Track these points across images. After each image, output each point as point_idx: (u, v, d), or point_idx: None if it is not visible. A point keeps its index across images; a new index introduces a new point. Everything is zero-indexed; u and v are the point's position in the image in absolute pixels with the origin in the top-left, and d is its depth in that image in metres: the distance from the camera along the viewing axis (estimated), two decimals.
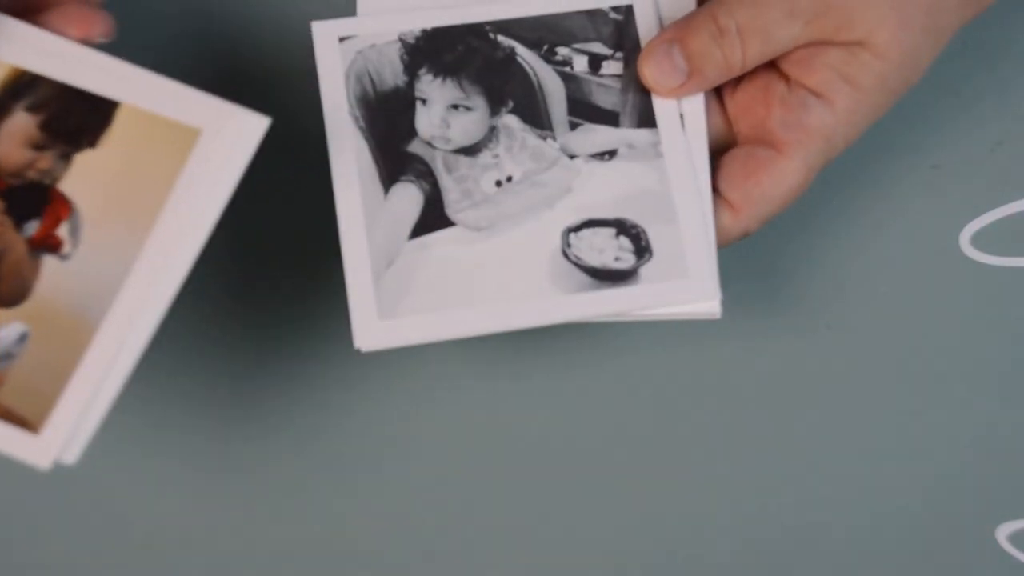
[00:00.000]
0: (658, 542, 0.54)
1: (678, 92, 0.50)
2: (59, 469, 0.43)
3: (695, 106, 0.50)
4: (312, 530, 0.54)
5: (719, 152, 0.51)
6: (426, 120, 0.49)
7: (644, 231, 0.48)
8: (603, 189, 0.49)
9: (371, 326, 0.47)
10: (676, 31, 0.49)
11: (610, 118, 0.50)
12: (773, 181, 0.49)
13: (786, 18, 0.49)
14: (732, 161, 0.50)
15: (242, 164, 0.44)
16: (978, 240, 0.57)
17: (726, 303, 0.56)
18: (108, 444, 0.53)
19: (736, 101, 0.51)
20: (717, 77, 0.50)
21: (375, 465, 0.55)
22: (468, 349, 0.56)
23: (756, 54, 0.49)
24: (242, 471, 0.54)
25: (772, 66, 0.51)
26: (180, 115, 0.45)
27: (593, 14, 0.51)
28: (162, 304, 0.43)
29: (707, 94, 0.51)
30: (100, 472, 0.54)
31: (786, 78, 0.50)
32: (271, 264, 0.56)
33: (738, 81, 0.51)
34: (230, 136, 0.44)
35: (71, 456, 0.43)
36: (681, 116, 0.50)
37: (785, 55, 0.50)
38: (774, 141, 0.50)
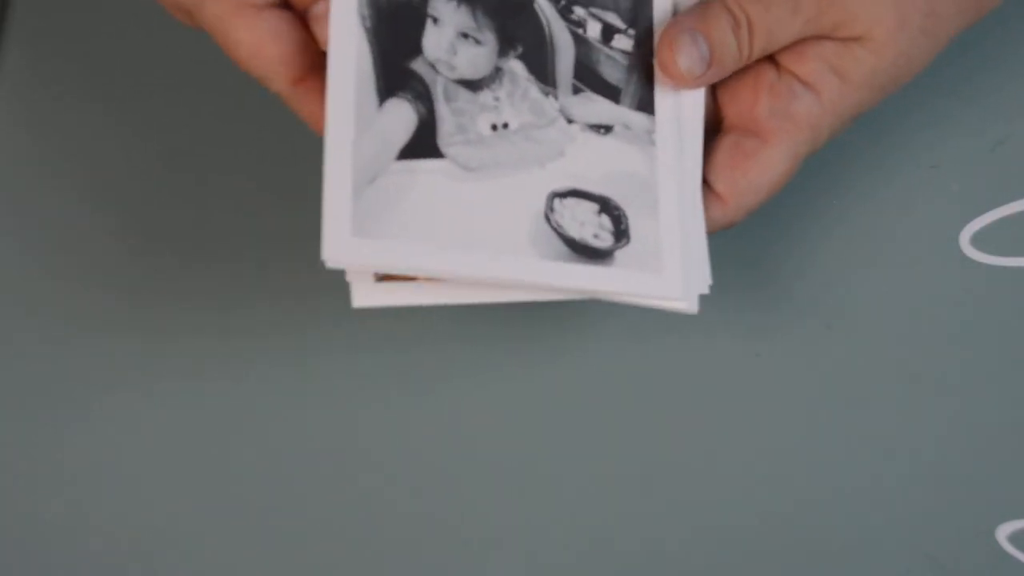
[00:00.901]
0: (655, 542, 0.53)
1: (699, 82, 0.50)
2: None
3: (696, 97, 0.50)
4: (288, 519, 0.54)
5: (705, 136, 0.51)
6: (434, 41, 0.47)
7: (626, 215, 0.47)
8: (594, 162, 0.47)
9: (344, 242, 0.44)
10: (696, 20, 0.49)
11: (612, 92, 0.48)
12: (760, 171, 0.50)
13: (790, 15, 0.49)
14: (719, 151, 0.50)
15: None
16: (978, 240, 0.57)
17: (726, 303, 0.56)
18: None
19: (726, 86, 0.51)
20: (731, 68, 0.50)
21: (353, 457, 0.54)
22: (456, 333, 0.56)
23: (760, 50, 0.49)
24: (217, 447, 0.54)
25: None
26: None
27: None
28: None
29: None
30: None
31: (776, 65, 0.50)
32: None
33: None
34: None
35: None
36: (678, 107, 0.49)
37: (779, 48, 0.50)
38: (760, 130, 0.50)
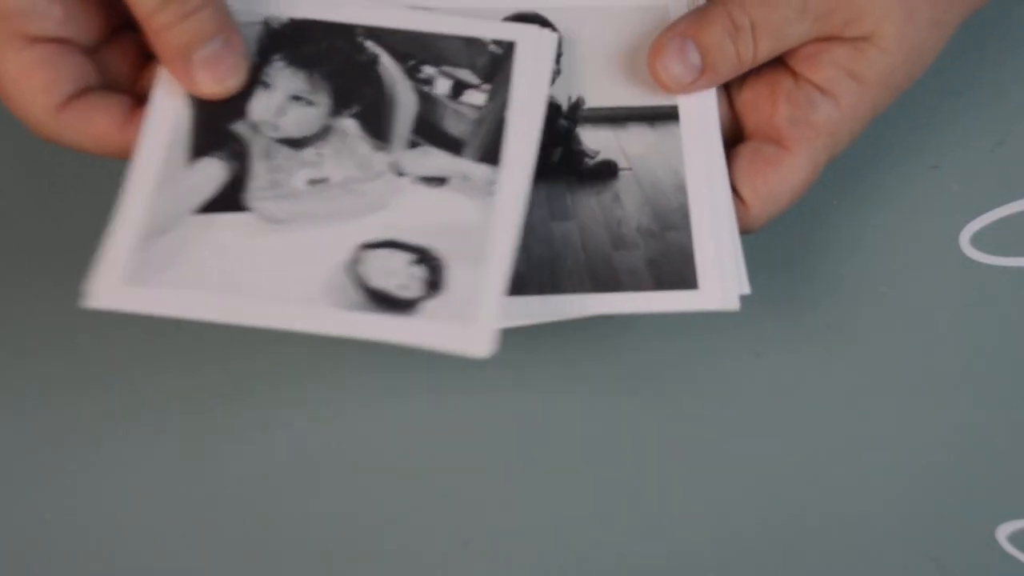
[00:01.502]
0: (655, 542, 0.54)
1: (691, 88, 0.50)
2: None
3: (708, 104, 0.50)
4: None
5: (726, 146, 0.51)
6: (262, 105, 0.48)
7: (445, 266, 0.46)
8: (420, 213, 0.47)
9: (112, 287, 0.45)
10: (689, 26, 0.49)
11: (454, 145, 0.48)
12: (780, 178, 0.50)
13: (797, 15, 0.49)
14: (739, 158, 0.50)
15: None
16: (978, 240, 0.57)
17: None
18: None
19: (743, 97, 0.52)
20: (728, 73, 0.50)
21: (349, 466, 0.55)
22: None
23: (767, 51, 0.49)
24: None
25: (779, 61, 0.51)
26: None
27: (472, 42, 0.50)
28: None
29: (717, 89, 0.51)
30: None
31: (793, 74, 0.50)
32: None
33: (745, 76, 0.51)
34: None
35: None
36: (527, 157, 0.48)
37: (793, 51, 0.50)
38: (780, 138, 0.50)
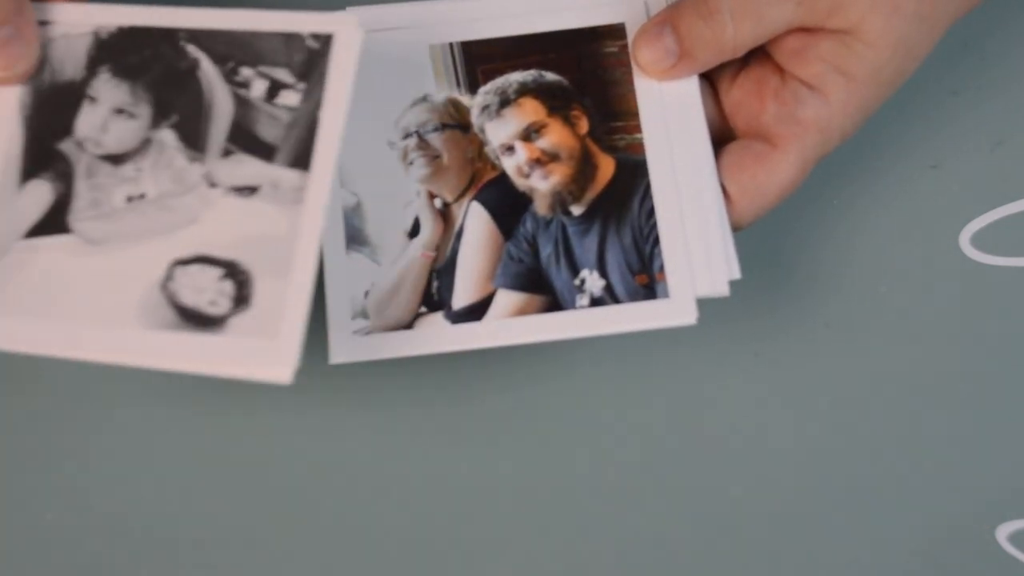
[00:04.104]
0: (655, 542, 0.53)
1: (669, 74, 0.50)
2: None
3: (691, 98, 0.50)
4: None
5: (716, 147, 0.51)
6: (88, 121, 0.47)
7: (252, 280, 0.45)
8: (229, 226, 0.46)
9: None
10: (668, 13, 0.50)
11: (267, 151, 0.46)
12: (768, 175, 0.50)
13: None
14: (728, 154, 0.50)
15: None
16: (978, 240, 0.57)
17: (725, 302, 0.56)
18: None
19: (732, 96, 0.52)
20: (707, 59, 0.50)
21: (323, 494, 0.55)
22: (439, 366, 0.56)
23: (748, 35, 0.49)
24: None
25: (766, 59, 0.51)
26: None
27: (290, 38, 0.47)
28: None
29: (703, 90, 0.51)
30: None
31: (780, 71, 0.50)
32: None
33: (734, 77, 0.51)
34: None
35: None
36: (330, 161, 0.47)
37: (778, 46, 0.50)
38: (769, 135, 0.50)
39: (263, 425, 0.55)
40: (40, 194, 0.46)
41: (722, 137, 0.51)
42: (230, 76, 0.47)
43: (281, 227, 0.45)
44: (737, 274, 0.49)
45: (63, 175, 0.47)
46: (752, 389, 0.55)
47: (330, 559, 0.53)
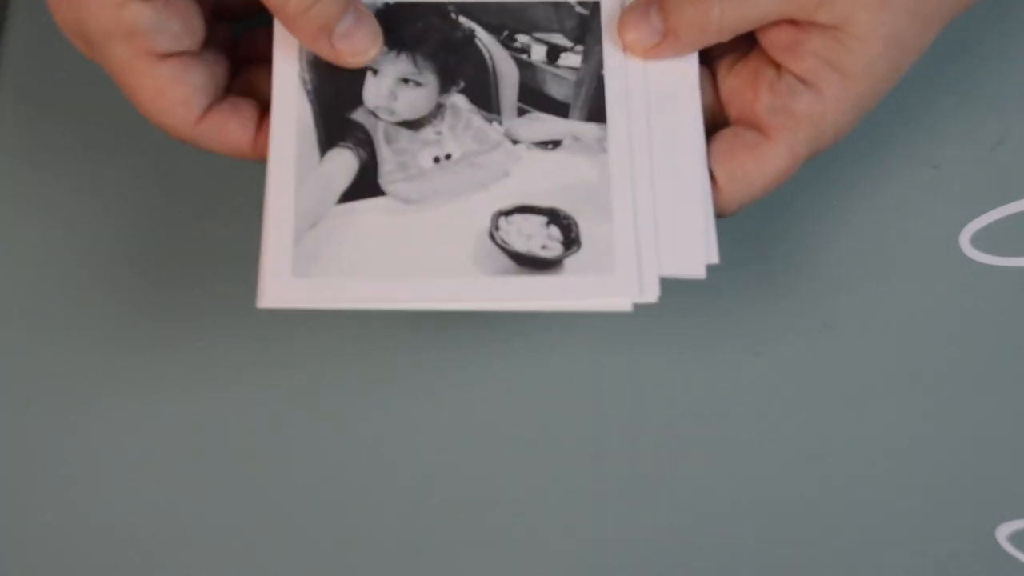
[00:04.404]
0: (654, 542, 0.53)
1: (653, 53, 0.51)
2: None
3: (688, 80, 0.51)
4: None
5: (710, 133, 0.51)
6: (374, 90, 0.50)
7: (576, 223, 0.48)
8: (541, 177, 0.49)
9: (283, 283, 0.46)
10: None
11: (560, 109, 0.50)
12: (756, 164, 0.50)
13: None
14: (719, 140, 0.50)
15: None
16: (978, 240, 0.57)
17: (726, 302, 0.56)
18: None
19: (728, 84, 0.52)
20: (692, 39, 0.50)
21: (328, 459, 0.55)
22: (448, 335, 0.56)
23: (734, 18, 0.49)
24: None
25: (763, 52, 0.51)
26: None
27: (559, 6, 0.51)
28: None
29: (701, 75, 0.51)
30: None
31: (776, 66, 0.51)
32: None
33: (732, 65, 0.52)
34: None
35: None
36: (631, 113, 0.50)
37: (771, 40, 0.50)
38: (761, 125, 0.50)
39: (262, 425, 0.55)
40: (344, 160, 0.49)
41: (716, 123, 0.51)
42: (507, 43, 0.50)
43: (592, 174, 0.49)
44: (715, 259, 0.49)
45: (363, 142, 0.49)
46: (752, 389, 0.55)
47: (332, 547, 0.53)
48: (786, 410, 0.55)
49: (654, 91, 0.51)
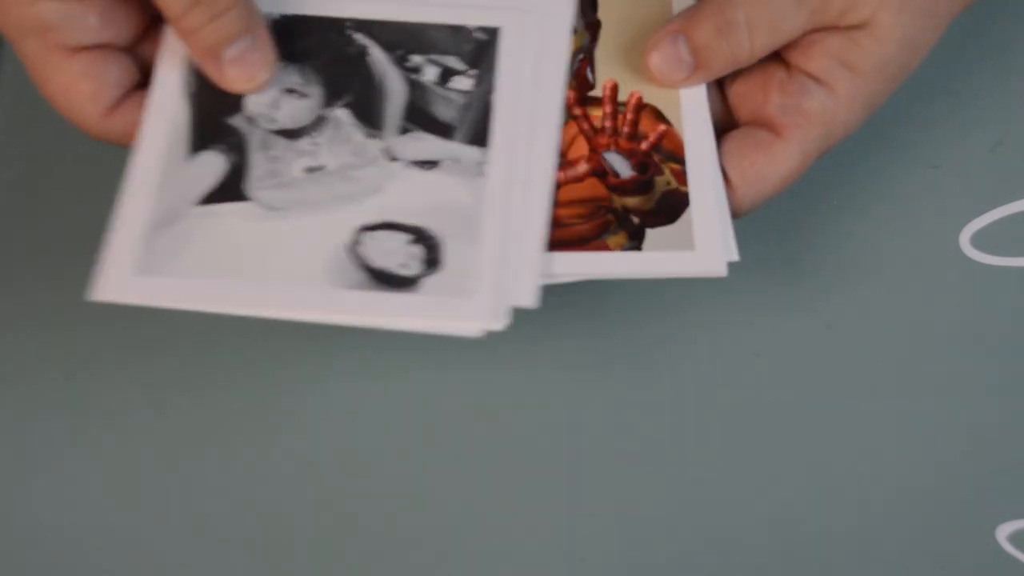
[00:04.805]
0: (653, 542, 0.54)
1: (683, 84, 0.51)
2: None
3: (696, 93, 0.51)
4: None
5: (720, 136, 0.51)
6: (258, 100, 0.49)
7: (441, 244, 0.47)
8: (414, 196, 0.48)
9: (121, 277, 0.46)
10: (682, 23, 0.50)
11: (444, 130, 0.49)
12: (769, 163, 0.50)
13: (793, 9, 0.49)
14: (730, 140, 0.50)
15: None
16: (978, 240, 0.57)
17: (726, 303, 0.56)
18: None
19: (737, 87, 0.52)
20: (723, 69, 0.50)
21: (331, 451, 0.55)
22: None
23: (764, 46, 0.49)
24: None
25: (773, 54, 0.51)
26: None
27: (458, 30, 0.51)
28: None
29: (707, 83, 0.51)
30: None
31: (786, 65, 0.51)
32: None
33: (738, 70, 0.52)
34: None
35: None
36: (517, 139, 0.49)
37: (787, 43, 0.50)
38: (773, 125, 0.50)
39: (261, 424, 0.55)
40: (213, 163, 0.48)
41: (724, 128, 0.51)
42: (400, 62, 0.50)
43: (467, 197, 0.48)
44: (735, 256, 0.49)
45: (235, 147, 0.48)
46: (752, 389, 0.55)
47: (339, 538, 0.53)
48: (786, 410, 0.55)
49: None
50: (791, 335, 0.56)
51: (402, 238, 0.47)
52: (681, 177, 0.50)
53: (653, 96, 0.51)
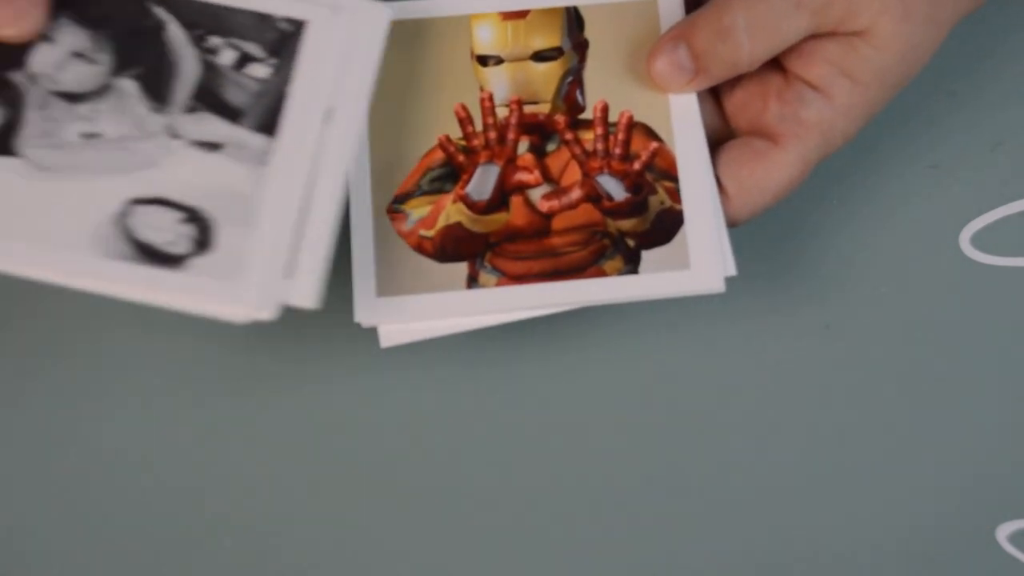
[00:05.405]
0: (653, 542, 0.53)
1: (685, 89, 0.50)
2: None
3: (687, 107, 0.51)
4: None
5: (712, 150, 0.51)
6: (43, 57, 0.48)
7: (215, 226, 0.47)
8: (191, 175, 0.48)
9: None
10: (682, 29, 0.49)
11: (233, 114, 0.49)
12: (767, 172, 0.50)
13: (793, 11, 0.49)
14: (729, 150, 0.50)
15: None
16: (978, 240, 0.57)
17: (725, 303, 0.56)
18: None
19: (734, 98, 0.52)
20: (723, 75, 0.50)
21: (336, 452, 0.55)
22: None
23: (764, 50, 0.49)
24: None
25: (771, 61, 0.51)
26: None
27: (263, 18, 0.50)
28: None
29: (703, 96, 0.51)
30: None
31: (784, 72, 0.50)
32: None
33: (736, 79, 0.51)
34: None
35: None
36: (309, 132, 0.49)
37: (786, 49, 0.50)
38: (771, 134, 0.50)
39: (259, 425, 0.55)
40: None
41: (723, 139, 0.51)
42: (198, 41, 0.49)
43: (245, 183, 0.47)
44: (732, 271, 0.49)
45: (10, 102, 0.47)
46: (752, 389, 0.55)
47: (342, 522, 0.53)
48: (786, 410, 0.55)
49: None
50: (791, 335, 0.56)
51: (173, 216, 0.47)
52: (675, 195, 0.50)
53: (644, 114, 0.51)
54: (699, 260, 0.49)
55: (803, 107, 0.50)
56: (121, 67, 0.49)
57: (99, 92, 0.48)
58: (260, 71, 0.49)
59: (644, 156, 0.50)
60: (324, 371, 0.55)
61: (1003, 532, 0.53)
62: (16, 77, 0.48)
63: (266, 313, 0.46)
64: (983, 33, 0.60)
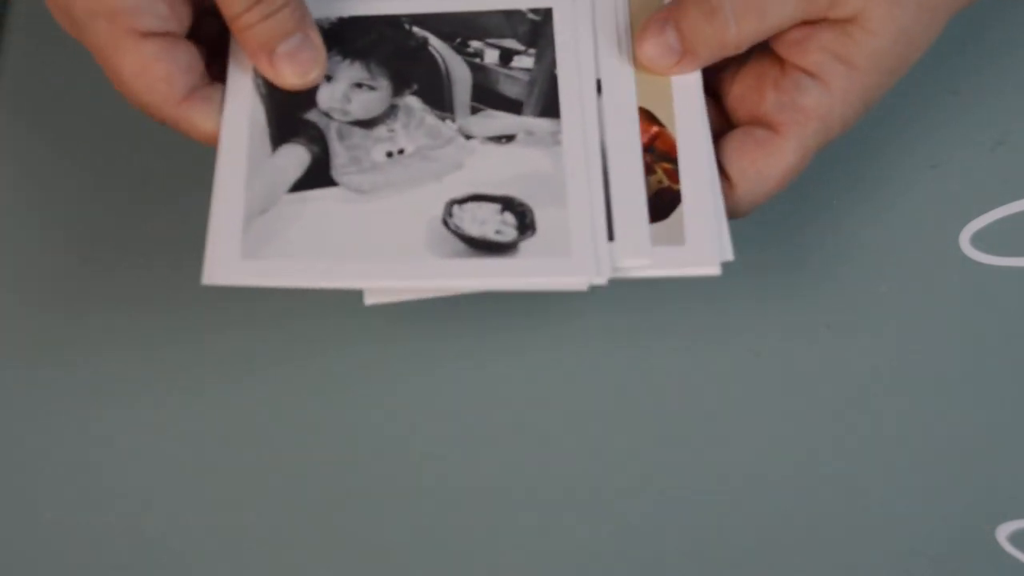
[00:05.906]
0: (653, 542, 0.53)
1: (673, 71, 0.51)
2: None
3: (690, 92, 0.51)
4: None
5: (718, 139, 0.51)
6: (327, 94, 0.51)
7: (531, 210, 0.49)
8: (495, 168, 0.50)
9: (229, 261, 0.47)
10: (670, 10, 0.50)
11: (514, 106, 0.51)
12: (768, 160, 0.50)
13: None
14: (729, 140, 0.51)
15: None
16: (978, 240, 0.57)
17: (725, 303, 0.56)
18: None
19: (733, 92, 0.52)
20: (710, 56, 0.50)
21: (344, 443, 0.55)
22: (450, 328, 0.56)
23: (751, 32, 0.50)
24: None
25: (765, 52, 0.51)
26: None
27: (511, 14, 0.53)
28: None
29: (703, 95, 0.51)
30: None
31: (780, 62, 0.51)
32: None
33: (735, 73, 0.52)
34: None
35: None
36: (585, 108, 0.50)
37: (779, 37, 0.50)
38: (770, 122, 0.50)
39: (258, 424, 0.55)
40: (296, 154, 0.50)
41: (718, 131, 0.51)
42: (460, 48, 0.52)
43: (546, 165, 0.50)
44: (730, 256, 0.49)
45: (315, 138, 0.50)
46: (752, 389, 0.55)
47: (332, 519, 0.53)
48: (786, 410, 0.55)
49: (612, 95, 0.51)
50: (791, 335, 0.56)
51: (491, 207, 0.49)
52: (674, 175, 0.50)
53: (646, 99, 0.51)
54: (695, 238, 0.49)
55: (801, 94, 0.50)
56: (400, 87, 0.51)
57: (388, 113, 0.51)
58: (525, 62, 0.52)
59: (644, 138, 0.50)
60: (322, 370, 0.56)
61: (1003, 532, 0.53)
62: (312, 116, 0.51)
63: (602, 278, 0.48)
64: (984, 33, 0.60)
